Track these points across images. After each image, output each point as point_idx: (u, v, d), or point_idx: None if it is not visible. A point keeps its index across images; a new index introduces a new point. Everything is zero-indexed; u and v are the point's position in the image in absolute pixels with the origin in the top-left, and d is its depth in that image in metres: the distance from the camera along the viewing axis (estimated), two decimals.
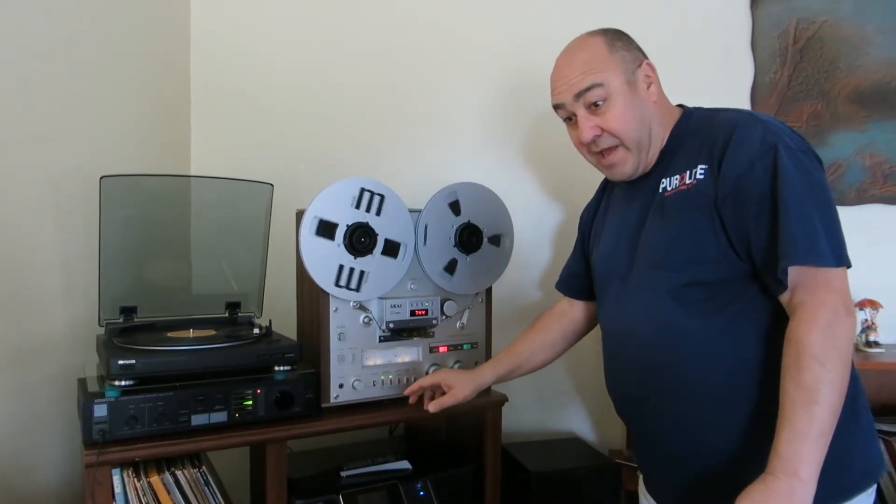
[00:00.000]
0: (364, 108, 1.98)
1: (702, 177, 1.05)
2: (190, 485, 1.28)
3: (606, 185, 1.37)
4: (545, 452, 1.73)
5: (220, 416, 1.31)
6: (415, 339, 1.51)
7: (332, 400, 1.42)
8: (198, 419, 1.29)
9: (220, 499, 1.30)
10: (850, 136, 1.82)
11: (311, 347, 1.47)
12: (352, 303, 1.43)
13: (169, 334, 1.45)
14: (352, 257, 1.39)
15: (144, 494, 1.24)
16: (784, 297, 0.98)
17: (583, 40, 1.16)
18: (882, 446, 1.57)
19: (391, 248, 1.44)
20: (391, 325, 1.46)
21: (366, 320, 1.45)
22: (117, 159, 1.63)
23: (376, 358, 1.47)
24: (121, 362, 1.23)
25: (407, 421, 1.80)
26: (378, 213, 1.42)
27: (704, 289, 1.05)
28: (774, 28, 1.85)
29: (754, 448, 1.01)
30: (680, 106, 1.20)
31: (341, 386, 1.43)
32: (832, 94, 1.83)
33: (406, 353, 1.50)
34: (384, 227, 1.43)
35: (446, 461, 1.58)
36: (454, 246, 1.52)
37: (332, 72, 1.98)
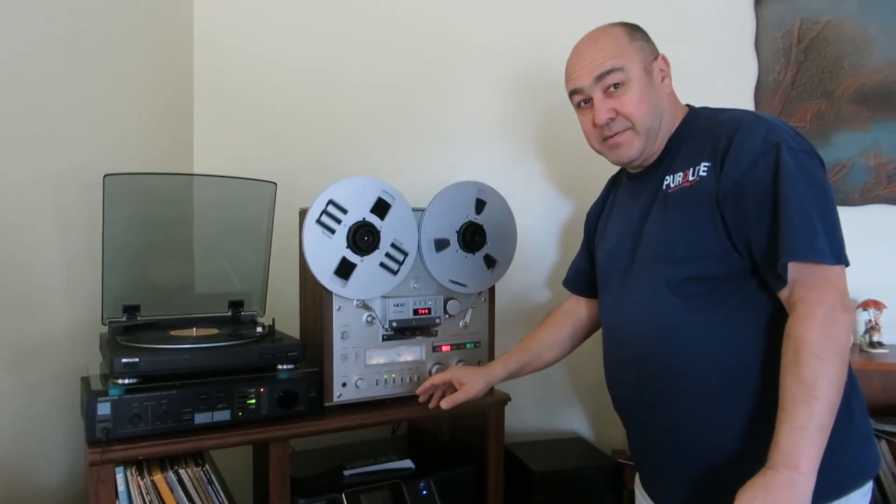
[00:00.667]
0: (366, 107, 1.98)
1: (704, 174, 1.07)
2: (193, 483, 1.28)
3: (612, 184, 1.38)
4: (548, 452, 1.72)
5: (223, 415, 1.31)
6: (418, 338, 1.51)
7: (334, 399, 1.42)
8: (201, 418, 1.28)
9: (223, 497, 1.30)
10: (854, 136, 1.82)
11: (314, 346, 1.47)
12: (355, 301, 1.43)
13: (172, 333, 1.45)
14: (350, 250, 1.40)
15: (148, 493, 1.24)
16: (783, 294, 0.99)
17: (603, 29, 1.19)
18: (879, 446, 1.56)
19: (381, 208, 1.43)
20: (394, 324, 1.46)
21: (369, 319, 1.45)
22: (120, 158, 1.63)
23: (379, 357, 1.47)
24: (124, 361, 1.23)
25: (410, 420, 1.80)
26: (345, 211, 1.41)
27: (704, 284, 1.06)
28: (778, 28, 1.85)
29: (752, 443, 1.02)
30: (687, 105, 1.22)
31: (344, 385, 1.43)
32: (836, 94, 1.82)
33: (409, 352, 1.50)
34: (388, 234, 1.43)
35: (449, 460, 1.58)
36: (456, 232, 1.53)
37: (334, 71, 1.98)
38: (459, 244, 1.52)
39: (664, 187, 1.14)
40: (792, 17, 1.84)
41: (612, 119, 1.14)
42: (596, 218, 1.38)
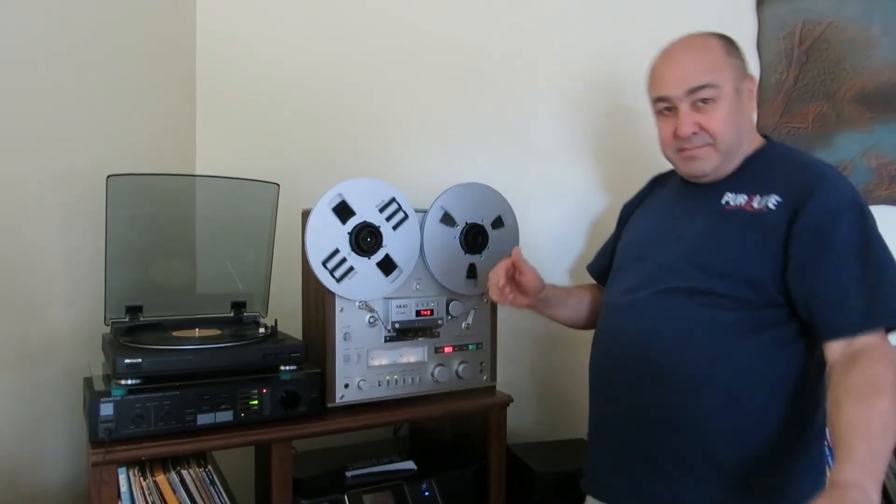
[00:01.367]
0: (369, 108, 1.98)
1: (773, 207, 1.07)
2: (195, 484, 1.28)
3: (655, 184, 1.38)
4: (550, 453, 1.72)
5: (225, 416, 1.31)
6: (420, 339, 1.51)
7: (337, 400, 1.42)
8: (203, 418, 1.29)
9: (226, 498, 1.30)
10: (856, 137, 1.82)
11: (316, 347, 1.47)
12: (357, 303, 1.43)
13: (174, 333, 1.45)
14: (350, 250, 1.40)
15: (150, 493, 1.24)
16: (838, 343, 1.00)
17: (701, 39, 1.18)
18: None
19: (387, 265, 1.44)
20: (397, 326, 1.46)
21: (371, 320, 1.45)
22: (123, 159, 1.63)
23: (382, 358, 1.47)
24: (127, 361, 1.23)
25: (412, 421, 1.80)
26: (395, 228, 1.43)
27: (725, 300, 1.07)
28: (780, 29, 1.85)
29: (756, 475, 1.04)
30: (764, 136, 1.23)
31: (347, 386, 1.43)
32: (838, 95, 1.82)
33: (411, 354, 1.50)
34: (392, 242, 1.43)
35: (451, 461, 1.58)
36: (466, 253, 1.52)
37: (336, 73, 1.98)
38: (463, 247, 1.52)
39: (722, 202, 1.13)
40: (794, 18, 1.84)
41: (696, 133, 1.13)
42: (632, 209, 1.38)
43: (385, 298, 1.46)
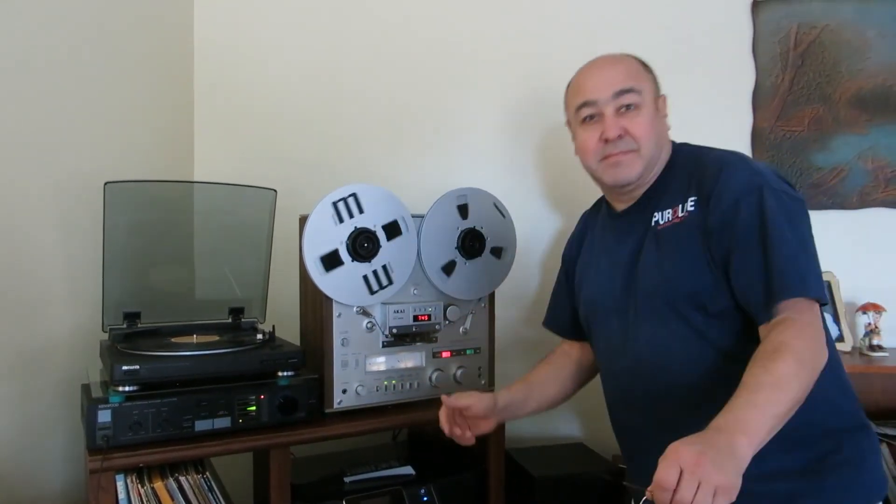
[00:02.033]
0: (366, 115, 1.99)
1: (692, 209, 1.11)
2: (193, 490, 1.28)
3: (587, 221, 1.40)
4: (549, 458, 1.72)
5: (223, 422, 1.30)
6: (418, 344, 1.51)
7: (335, 405, 1.42)
8: (201, 425, 1.28)
9: None
10: (852, 139, 1.83)
11: (314, 353, 1.47)
12: (355, 308, 1.43)
13: (172, 340, 1.45)
14: (367, 264, 1.40)
15: (148, 500, 1.24)
16: (766, 327, 1.01)
17: (620, 55, 1.23)
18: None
19: (393, 230, 1.43)
20: (394, 331, 1.46)
21: (369, 325, 1.45)
22: (121, 165, 1.63)
23: (379, 363, 1.47)
24: (125, 368, 1.23)
25: (410, 426, 1.80)
26: (361, 211, 1.41)
27: (707, 314, 1.08)
28: (775, 33, 1.86)
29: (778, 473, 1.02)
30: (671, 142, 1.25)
31: (345, 391, 1.43)
32: (834, 98, 1.83)
33: (409, 359, 1.50)
34: (373, 218, 1.42)
35: (450, 466, 1.58)
36: (456, 248, 1.52)
37: (334, 79, 1.98)
38: (463, 256, 1.52)
39: (653, 224, 1.16)
40: (789, 21, 1.85)
41: (621, 137, 1.16)
42: (574, 255, 1.39)
43: (382, 304, 1.46)
